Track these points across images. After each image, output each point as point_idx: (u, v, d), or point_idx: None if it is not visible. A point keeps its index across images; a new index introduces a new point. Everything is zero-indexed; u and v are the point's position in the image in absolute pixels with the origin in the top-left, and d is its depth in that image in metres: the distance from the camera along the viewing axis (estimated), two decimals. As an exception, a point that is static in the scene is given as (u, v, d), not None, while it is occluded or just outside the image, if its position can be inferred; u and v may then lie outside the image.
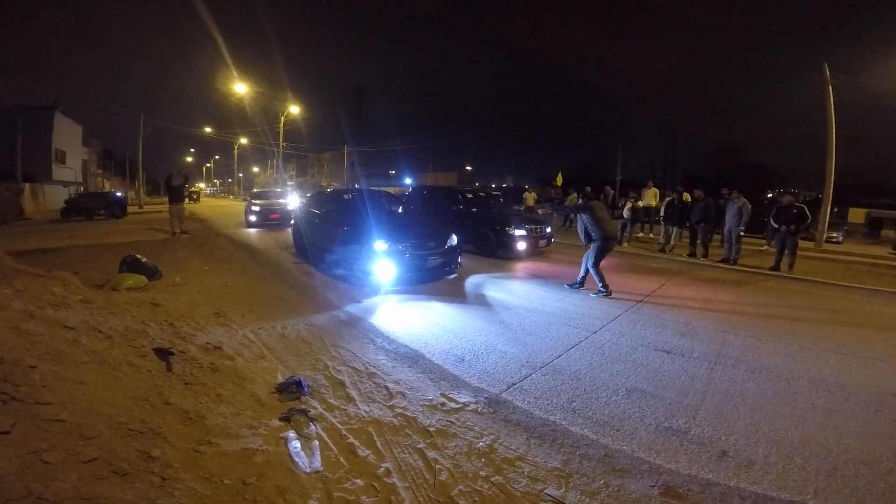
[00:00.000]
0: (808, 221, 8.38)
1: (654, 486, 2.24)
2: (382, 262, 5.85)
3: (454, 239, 6.98)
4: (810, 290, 7.32)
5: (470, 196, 11.04)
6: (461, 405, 2.98)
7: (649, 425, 2.84)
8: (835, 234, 19.55)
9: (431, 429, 2.66)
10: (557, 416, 2.92)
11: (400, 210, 8.81)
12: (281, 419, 2.57)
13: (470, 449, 2.48)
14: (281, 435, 2.42)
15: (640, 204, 12.99)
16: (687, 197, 11.09)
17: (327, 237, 7.37)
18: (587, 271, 6.35)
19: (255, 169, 68.42)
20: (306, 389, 2.94)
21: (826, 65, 13.57)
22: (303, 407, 2.72)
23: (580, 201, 6.43)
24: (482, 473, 2.28)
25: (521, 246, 9.07)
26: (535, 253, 9.63)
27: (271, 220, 14.76)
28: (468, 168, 58.47)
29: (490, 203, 11.13)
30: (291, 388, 2.90)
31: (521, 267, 8.41)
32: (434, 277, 6.69)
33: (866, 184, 38.21)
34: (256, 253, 9.42)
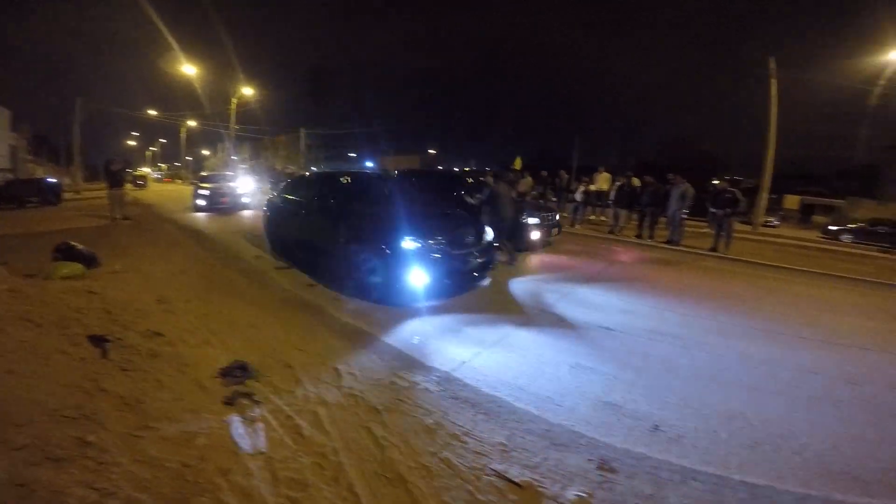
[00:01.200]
0: (740, 205, 8.93)
1: (591, 459, 2.33)
2: (414, 268, 4.62)
3: (490, 232, 5.81)
4: (744, 269, 7.84)
5: (471, 181, 9.70)
6: (411, 384, 3.02)
7: (589, 400, 2.96)
8: (771, 219, 21.04)
9: (380, 407, 2.69)
10: (503, 393, 2.99)
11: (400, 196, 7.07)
12: (224, 403, 2.55)
13: (419, 426, 2.53)
14: (224, 418, 2.41)
15: (593, 188, 13.42)
16: (636, 182, 11.54)
17: (321, 233, 5.92)
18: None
19: (206, 152, 65.39)
20: (251, 373, 2.91)
21: (771, 59, 14.31)
22: (247, 390, 2.70)
23: (487, 192, 6.51)
24: (430, 449, 2.32)
25: (536, 236, 8.06)
26: (547, 244, 8.78)
27: (220, 204, 14.26)
28: (431, 151, 57.94)
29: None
30: (236, 373, 2.87)
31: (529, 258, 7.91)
32: (470, 284, 5.50)
33: (803, 173, 40.90)
34: (204, 238, 9.08)
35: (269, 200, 8.00)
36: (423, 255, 4.66)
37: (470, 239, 5.38)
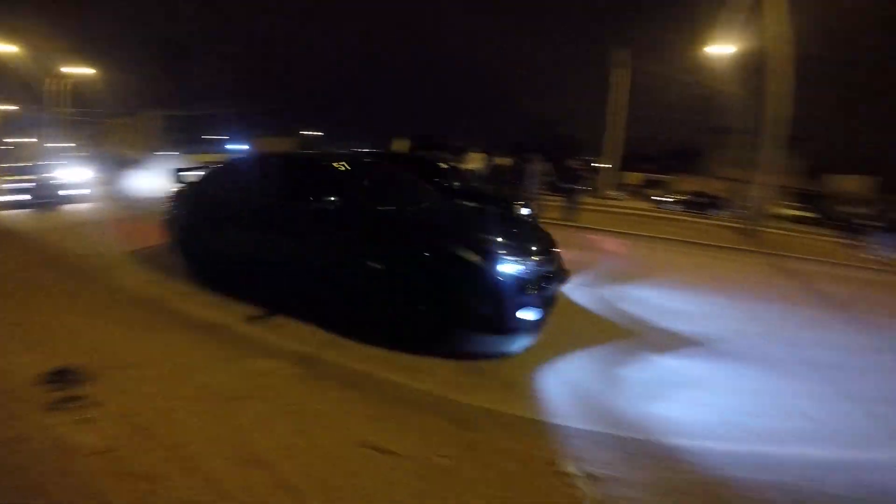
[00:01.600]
0: (586, 182, 10.35)
1: (451, 421, 2.47)
2: (516, 299, 3.16)
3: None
4: (592, 236, 9.16)
5: (444, 167, 8.45)
6: (272, 369, 2.95)
7: (453, 365, 3.12)
8: (617, 193, 24.26)
9: (238, 396, 2.59)
10: (371, 366, 3.05)
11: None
12: (49, 409, 2.34)
13: (281, 409, 2.49)
14: (53, 423, 2.22)
15: (467, 167, 14.14)
16: (500, 161, 12.46)
17: (325, 253, 3.91)
18: None
19: (28, 139, 54.48)
20: (81, 377, 2.66)
21: (613, 51, 16.28)
22: (78, 393, 2.48)
23: None
24: (294, 429, 2.29)
25: None
26: None
27: (42, 198, 11.80)
28: (309, 133, 54.37)
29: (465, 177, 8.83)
30: (61, 377, 2.61)
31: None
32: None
33: (644, 153, 47.87)
34: (19, 239, 7.48)
35: (179, 196, 5.29)
36: (525, 279, 3.23)
37: (545, 249, 3.89)
